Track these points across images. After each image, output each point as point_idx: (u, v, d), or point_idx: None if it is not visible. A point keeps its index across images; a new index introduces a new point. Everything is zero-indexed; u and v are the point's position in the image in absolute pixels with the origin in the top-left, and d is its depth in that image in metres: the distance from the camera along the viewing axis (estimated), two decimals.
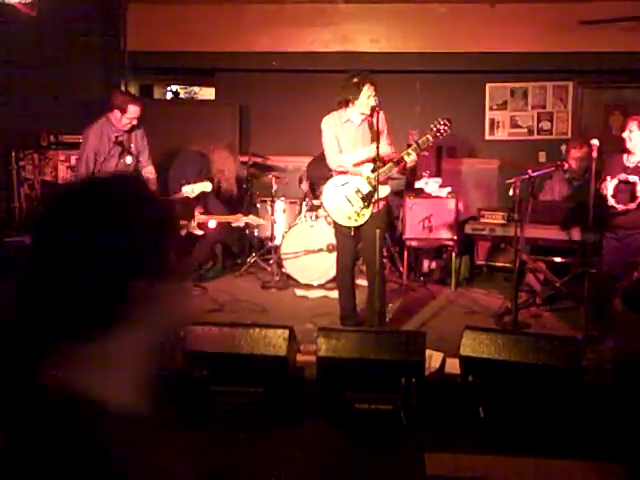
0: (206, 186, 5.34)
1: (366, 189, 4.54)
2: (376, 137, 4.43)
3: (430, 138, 4.49)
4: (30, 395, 0.92)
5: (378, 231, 4.33)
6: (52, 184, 5.80)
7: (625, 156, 4.55)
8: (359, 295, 4.81)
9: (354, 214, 4.59)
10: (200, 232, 5.78)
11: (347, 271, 4.82)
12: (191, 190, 5.31)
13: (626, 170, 4.49)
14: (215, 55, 7.80)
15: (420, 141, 4.52)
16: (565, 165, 5.38)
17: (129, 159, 5.17)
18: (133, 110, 5.08)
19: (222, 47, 7.70)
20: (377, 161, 4.38)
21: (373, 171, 4.50)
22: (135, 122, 5.14)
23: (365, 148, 4.54)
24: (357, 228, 4.62)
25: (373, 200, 4.52)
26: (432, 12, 7.46)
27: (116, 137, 5.04)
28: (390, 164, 4.53)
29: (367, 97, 4.48)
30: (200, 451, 3.52)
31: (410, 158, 4.50)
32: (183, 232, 5.68)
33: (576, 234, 5.38)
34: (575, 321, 4.98)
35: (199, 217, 5.72)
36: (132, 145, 5.20)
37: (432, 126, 4.49)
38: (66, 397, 0.92)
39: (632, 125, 4.50)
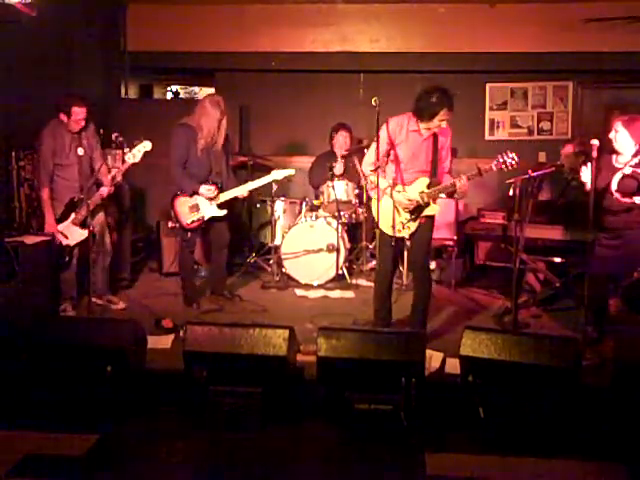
0: (145, 145, 5.06)
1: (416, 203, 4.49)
2: (438, 155, 4.47)
3: (494, 168, 4.40)
4: None
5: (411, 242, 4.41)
6: None
7: (614, 157, 4.51)
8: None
9: (399, 224, 4.53)
10: (224, 212, 5.44)
11: (385, 278, 4.77)
12: (132, 156, 5.06)
13: (616, 171, 4.45)
14: (215, 55, 7.80)
15: (482, 168, 4.41)
16: (565, 165, 5.38)
17: (80, 150, 5.25)
18: (78, 111, 5.15)
19: (222, 47, 7.71)
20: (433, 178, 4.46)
21: (428, 187, 4.48)
22: (83, 123, 5.21)
23: (388, 183, 4.52)
24: (399, 239, 4.61)
25: (421, 215, 4.51)
26: (432, 12, 7.46)
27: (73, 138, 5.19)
28: (444, 186, 4.49)
29: (440, 120, 4.36)
30: (200, 451, 3.52)
31: (464, 182, 4.46)
32: (200, 218, 5.40)
33: (575, 234, 5.37)
34: (575, 321, 4.97)
35: (219, 196, 5.40)
36: (84, 141, 5.28)
37: (499, 156, 4.39)
38: None
39: (617, 125, 4.43)
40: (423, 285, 4.72)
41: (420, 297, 4.72)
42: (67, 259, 5.20)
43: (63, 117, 5.17)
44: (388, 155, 4.54)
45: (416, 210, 4.51)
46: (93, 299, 5.23)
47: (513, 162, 4.35)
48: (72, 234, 5.20)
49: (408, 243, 4.84)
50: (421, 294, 4.72)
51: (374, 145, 4.53)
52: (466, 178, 4.43)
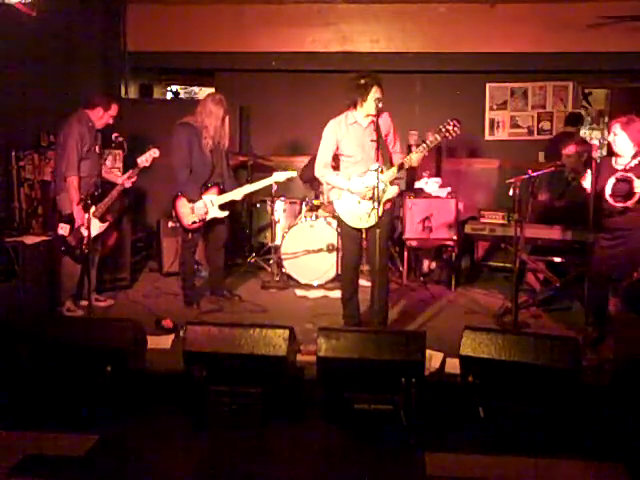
0: (155, 152, 5.26)
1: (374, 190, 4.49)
2: (382, 140, 4.45)
3: (438, 138, 4.44)
4: None
5: (378, 231, 4.32)
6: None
7: (614, 159, 4.50)
8: (361, 295, 4.79)
9: (364, 215, 4.57)
10: (226, 213, 5.45)
11: (350, 272, 4.82)
12: (145, 160, 5.26)
13: (615, 173, 4.44)
14: (215, 55, 7.80)
15: (428, 141, 4.45)
16: (567, 165, 5.38)
17: (98, 148, 5.37)
18: (116, 108, 5.35)
19: (222, 47, 7.71)
20: (379, 163, 4.39)
21: (382, 172, 4.46)
22: (112, 121, 5.35)
23: (350, 181, 4.59)
24: (366, 230, 4.67)
25: (383, 200, 4.49)
26: (432, 12, 7.46)
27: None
28: (395, 168, 4.52)
29: (374, 100, 4.42)
30: (200, 451, 3.52)
31: (416, 157, 4.48)
32: (200, 219, 5.36)
33: (575, 234, 5.37)
34: (575, 321, 4.98)
35: (219, 198, 5.39)
36: (99, 139, 5.43)
37: (441, 126, 4.43)
38: None
39: (615, 128, 4.41)
40: (381, 278, 4.62)
41: (379, 294, 4.62)
42: (84, 251, 5.18)
43: (99, 111, 5.26)
44: (336, 155, 4.69)
45: (377, 197, 4.49)
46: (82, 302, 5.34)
47: (456, 128, 4.40)
48: (92, 226, 5.17)
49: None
50: (381, 291, 4.62)
51: (322, 147, 4.69)
52: (410, 158, 4.50)
